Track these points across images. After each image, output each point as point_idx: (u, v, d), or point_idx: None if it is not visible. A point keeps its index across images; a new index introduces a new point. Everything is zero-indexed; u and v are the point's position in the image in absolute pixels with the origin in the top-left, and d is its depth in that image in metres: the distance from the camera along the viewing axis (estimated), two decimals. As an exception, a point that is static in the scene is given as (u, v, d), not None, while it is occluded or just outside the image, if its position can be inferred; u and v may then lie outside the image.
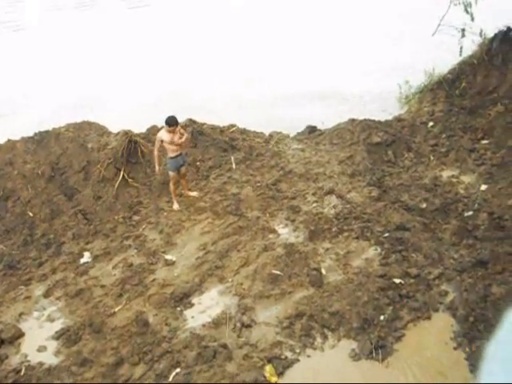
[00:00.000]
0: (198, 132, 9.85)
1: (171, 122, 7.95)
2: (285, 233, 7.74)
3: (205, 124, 10.44)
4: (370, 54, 15.08)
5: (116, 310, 6.66)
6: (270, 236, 7.66)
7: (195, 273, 7.11)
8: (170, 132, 8.03)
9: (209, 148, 9.83)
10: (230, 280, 6.93)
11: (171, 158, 8.22)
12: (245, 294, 6.64)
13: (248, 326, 6.13)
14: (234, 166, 9.45)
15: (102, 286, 7.16)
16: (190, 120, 10.26)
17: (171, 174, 8.42)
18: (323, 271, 6.85)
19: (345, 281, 6.64)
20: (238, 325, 6.16)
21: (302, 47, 16.56)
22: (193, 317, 6.44)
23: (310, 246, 7.34)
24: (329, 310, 6.18)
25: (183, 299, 6.71)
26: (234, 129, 10.70)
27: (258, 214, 8.13)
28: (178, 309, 6.58)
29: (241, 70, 15.36)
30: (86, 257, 7.87)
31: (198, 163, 9.58)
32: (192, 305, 6.64)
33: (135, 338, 6.14)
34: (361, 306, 6.16)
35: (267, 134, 10.81)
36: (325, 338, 5.90)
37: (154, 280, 7.12)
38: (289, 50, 16.41)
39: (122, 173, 9.12)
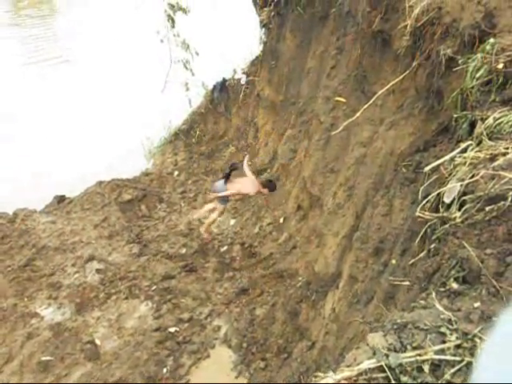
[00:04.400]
0: None
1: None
2: (49, 313, 7.19)
3: None
4: (113, 117, 15.18)
5: None
6: (33, 321, 7.02)
7: None
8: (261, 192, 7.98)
9: None
10: (-7, 384, 6.12)
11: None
12: (13, 393, 5.93)
13: (24, 428, 5.49)
14: (-24, 255, 8.44)
15: None
16: None
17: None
18: (98, 342, 6.56)
19: (122, 345, 6.47)
20: (12, 430, 5.47)
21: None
22: None
23: (80, 319, 6.97)
24: (111, 380, 5.94)
25: None
26: (-31, 214, 9.59)
27: (15, 301, 7.38)
28: None
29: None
30: None
31: None
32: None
33: None
34: (142, 366, 6.08)
35: (11, 213, 9.96)
36: (111, 410, 5.63)
37: None
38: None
39: None
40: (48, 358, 6.32)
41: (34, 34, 24.10)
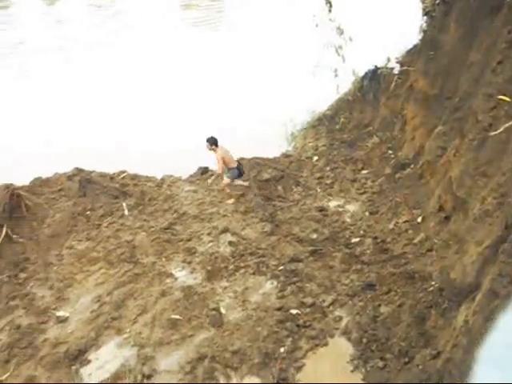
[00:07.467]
0: (86, 180, 9.57)
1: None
2: (182, 276, 7.67)
3: (93, 171, 10.18)
4: (258, 96, 15.55)
5: (3, 377, 6.15)
6: (168, 280, 7.54)
7: (90, 327, 6.78)
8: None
9: (99, 196, 9.55)
10: (127, 330, 6.69)
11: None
12: (144, 343, 6.44)
13: (149, 377, 5.95)
14: (126, 212, 9.26)
15: (-13, 354, 6.58)
16: (77, 168, 9.97)
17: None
18: (222, 310, 6.86)
19: (244, 318, 6.69)
20: (139, 377, 5.94)
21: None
22: (90, 374, 6.12)
23: (208, 286, 7.34)
24: (230, 348, 6.17)
25: (79, 356, 6.35)
26: (125, 175, 10.53)
27: (154, 260, 8.00)
28: (74, 367, 6.21)
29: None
30: (-33, 323, 7.22)
31: (88, 212, 9.24)
32: (89, 361, 6.30)
33: (26, 406, 5.70)
34: (261, 341, 6.23)
35: (159, 178, 10.74)
36: (228, 378, 5.87)
37: (45, 340, 6.68)
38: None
39: (4, 229, 8.56)
40: (177, 316, 6.76)
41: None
